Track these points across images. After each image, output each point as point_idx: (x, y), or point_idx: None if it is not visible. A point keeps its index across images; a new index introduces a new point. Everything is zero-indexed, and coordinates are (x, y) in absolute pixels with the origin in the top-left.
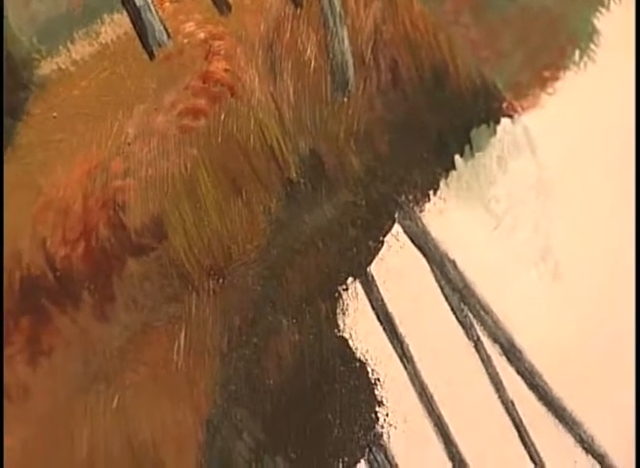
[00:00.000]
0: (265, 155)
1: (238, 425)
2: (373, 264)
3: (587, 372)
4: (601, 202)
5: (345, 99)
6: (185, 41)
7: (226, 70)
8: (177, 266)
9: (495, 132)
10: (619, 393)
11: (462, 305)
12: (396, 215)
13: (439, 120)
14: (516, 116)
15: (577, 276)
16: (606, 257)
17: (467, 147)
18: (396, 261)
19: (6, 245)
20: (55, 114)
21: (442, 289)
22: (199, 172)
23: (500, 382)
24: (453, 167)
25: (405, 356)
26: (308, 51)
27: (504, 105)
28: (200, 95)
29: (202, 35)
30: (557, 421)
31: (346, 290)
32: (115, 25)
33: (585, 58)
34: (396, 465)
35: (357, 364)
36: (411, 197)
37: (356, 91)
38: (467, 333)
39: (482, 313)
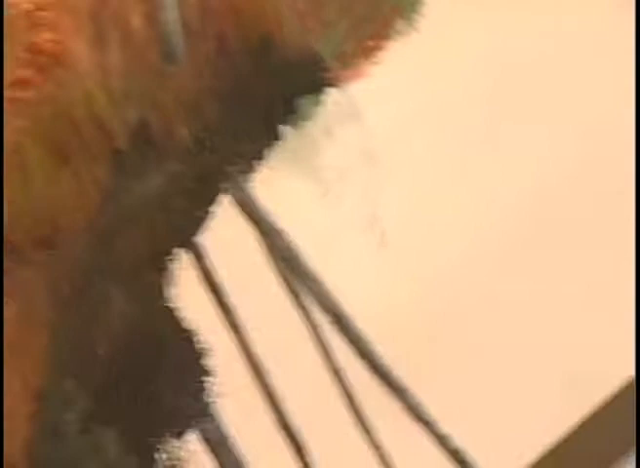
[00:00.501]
0: (94, 125)
1: (68, 396)
2: (202, 235)
3: (416, 339)
4: (427, 170)
5: (174, 69)
6: (10, 12)
7: (53, 41)
8: (7, 240)
9: (321, 101)
10: (447, 358)
11: (292, 274)
12: (225, 186)
13: (267, 90)
14: (342, 86)
15: (403, 244)
16: (432, 225)
17: (295, 117)
18: (226, 232)
19: None
20: None
21: (271, 258)
22: (26, 142)
23: (330, 351)
24: (281, 137)
25: (234, 326)
26: (136, 20)
27: (330, 75)
28: (27, 66)
29: (27, 5)
30: (387, 388)
31: (176, 260)
32: None
33: (410, 28)
34: (227, 434)
35: (187, 334)
36: (239, 167)
37: (185, 60)
38: (297, 302)
39: (311, 282)
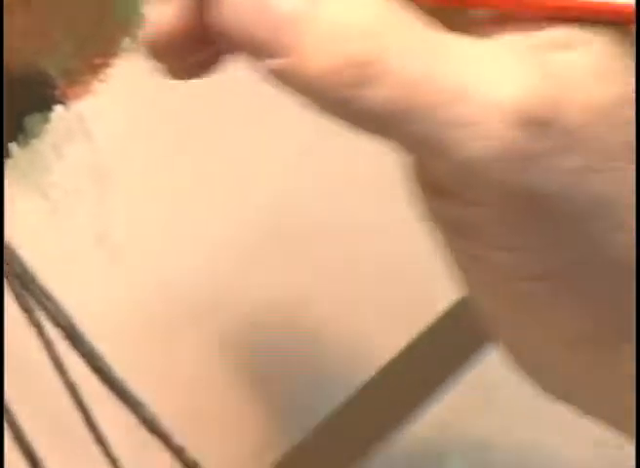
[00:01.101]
0: None
1: None
2: None
3: (148, 353)
4: (159, 184)
5: None
6: None
7: None
8: None
9: (48, 119)
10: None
11: (24, 291)
12: None
13: None
14: (70, 103)
15: (135, 259)
16: (166, 240)
17: (22, 135)
18: None
19: None
20: None
21: (4, 275)
22: None
23: (63, 366)
24: (8, 155)
25: None
26: None
27: (57, 92)
28: None
29: None
30: (121, 402)
31: None
32: None
33: (135, 46)
34: None
35: None
36: None
37: None
38: (30, 319)
39: (43, 298)
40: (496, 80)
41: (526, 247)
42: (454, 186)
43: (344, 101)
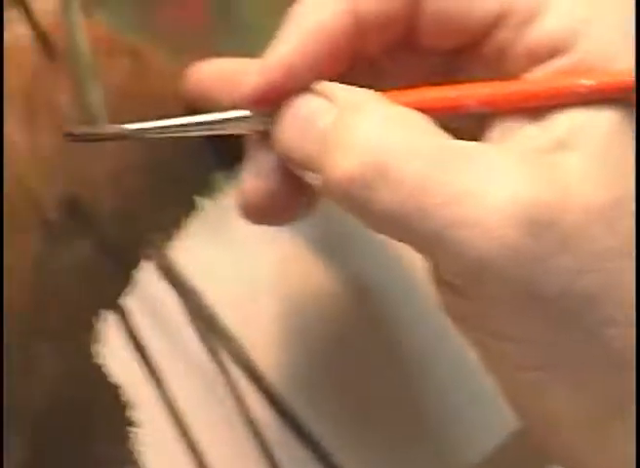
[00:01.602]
0: (24, 198)
1: (7, 447)
2: (126, 297)
3: (323, 392)
4: None
5: (99, 146)
6: None
7: None
8: None
9: (235, 175)
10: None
11: (209, 333)
12: (146, 252)
13: (183, 165)
14: None
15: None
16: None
17: (210, 190)
18: (147, 294)
19: None
20: None
21: (191, 318)
22: None
23: (245, 404)
24: (197, 207)
25: (158, 381)
26: (63, 103)
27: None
28: None
29: None
30: (298, 439)
31: (102, 320)
32: None
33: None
34: None
35: (113, 388)
36: (160, 235)
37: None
38: (214, 358)
39: (228, 341)
40: (502, 183)
41: (529, 338)
42: (462, 282)
43: (362, 206)
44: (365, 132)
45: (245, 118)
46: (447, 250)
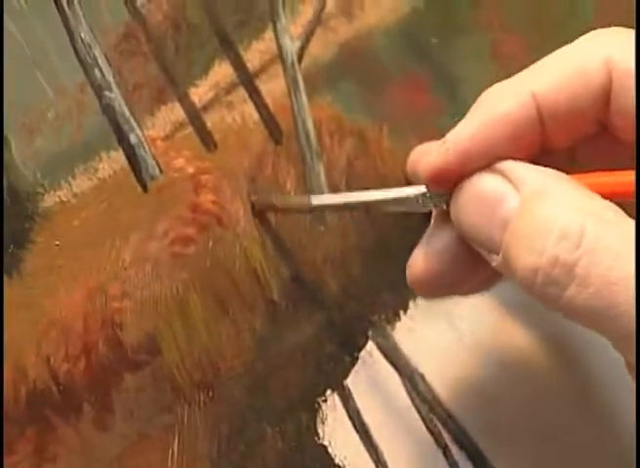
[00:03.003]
0: (250, 278)
1: None
2: (349, 377)
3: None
4: None
5: (322, 228)
6: (176, 175)
7: (213, 202)
8: (169, 380)
9: None
10: None
11: (431, 415)
12: (369, 333)
13: (406, 244)
14: None
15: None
16: None
17: None
18: (370, 375)
19: (13, 360)
20: (57, 242)
21: (412, 400)
22: (189, 293)
23: None
24: None
25: (380, 462)
26: (288, 184)
27: None
28: (189, 224)
29: (191, 170)
30: None
31: (325, 401)
32: (112, 161)
33: None
34: None
35: None
36: (382, 316)
37: (332, 221)
38: (436, 441)
39: (449, 422)
40: None
41: None
42: None
43: (549, 298)
44: (552, 225)
45: (424, 196)
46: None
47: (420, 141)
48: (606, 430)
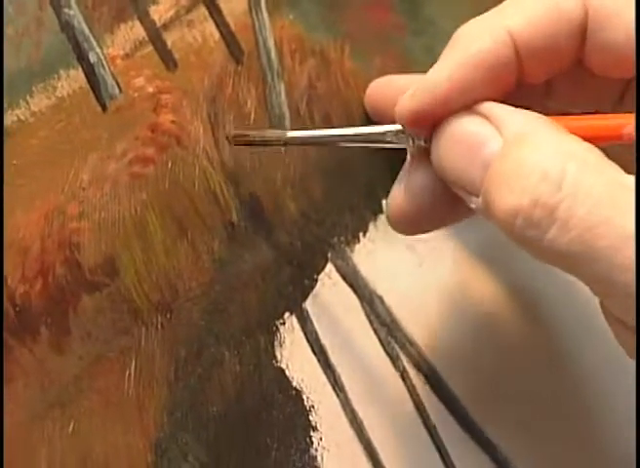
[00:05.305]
0: (209, 199)
1: (184, 448)
2: (307, 300)
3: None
4: None
5: (283, 150)
6: (135, 94)
7: (173, 122)
8: (127, 302)
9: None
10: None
11: (389, 338)
12: (329, 255)
13: (368, 167)
14: None
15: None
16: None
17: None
18: (329, 297)
19: None
20: (15, 161)
21: (371, 323)
22: (148, 215)
23: (424, 408)
24: (381, 210)
25: (337, 385)
26: (248, 103)
27: None
28: (149, 144)
29: (150, 89)
30: (474, 443)
31: (283, 323)
32: (71, 80)
33: None
34: None
35: (293, 392)
36: (342, 239)
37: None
38: (394, 364)
39: (407, 345)
40: None
41: None
42: (631, 320)
43: (529, 241)
44: (533, 168)
45: (400, 133)
46: (616, 291)
47: (383, 61)
48: (566, 378)
